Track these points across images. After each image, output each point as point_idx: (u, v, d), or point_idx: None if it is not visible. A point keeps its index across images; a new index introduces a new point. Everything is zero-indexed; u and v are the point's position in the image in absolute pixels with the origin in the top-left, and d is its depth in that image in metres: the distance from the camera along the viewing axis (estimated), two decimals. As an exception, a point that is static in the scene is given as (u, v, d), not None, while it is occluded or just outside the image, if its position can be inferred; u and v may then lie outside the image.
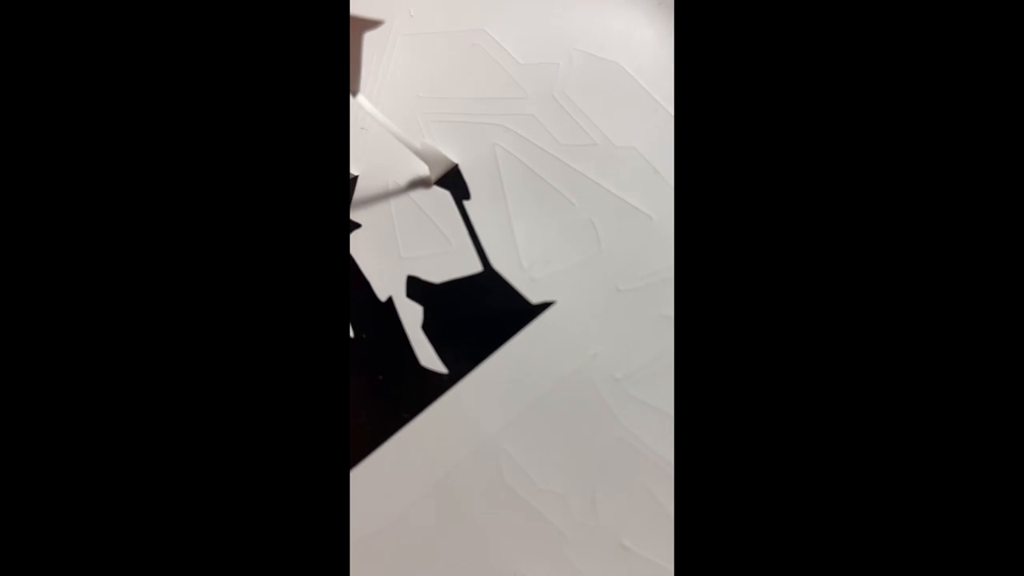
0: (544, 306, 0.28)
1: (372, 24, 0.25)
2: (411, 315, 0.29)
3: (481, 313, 0.28)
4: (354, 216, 0.31)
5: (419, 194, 0.30)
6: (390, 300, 0.29)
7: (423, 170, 0.31)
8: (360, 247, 0.30)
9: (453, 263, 0.29)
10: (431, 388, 0.28)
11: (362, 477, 0.28)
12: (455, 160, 0.30)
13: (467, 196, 0.30)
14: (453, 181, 0.30)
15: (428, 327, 0.29)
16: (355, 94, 0.27)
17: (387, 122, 0.28)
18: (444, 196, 0.30)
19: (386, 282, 0.30)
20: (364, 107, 0.28)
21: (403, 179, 0.31)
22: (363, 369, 0.29)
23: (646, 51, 0.30)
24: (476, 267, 0.29)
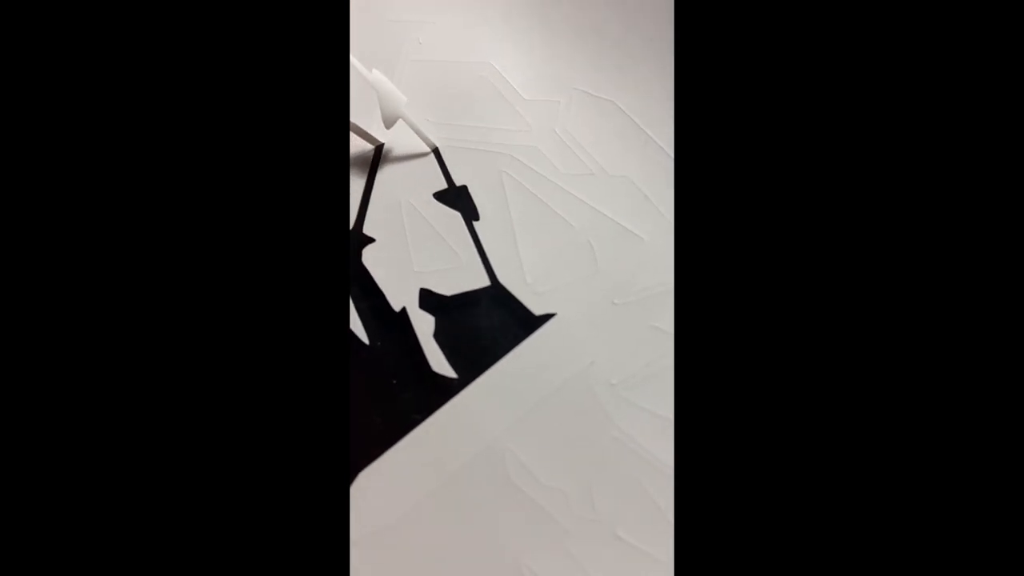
0: (546, 317, 0.31)
1: None
2: (423, 324, 0.31)
3: (488, 323, 0.31)
4: (369, 232, 0.33)
5: (432, 214, 0.33)
6: (404, 310, 0.32)
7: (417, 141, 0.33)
8: (375, 261, 0.33)
9: (463, 277, 0.32)
10: (441, 392, 0.30)
11: (375, 474, 0.30)
12: (465, 183, 0.33)
13: (476, 217, 0.33)
14: (464, 204, 0.33)
15: (439, 335, 0.31)
16: None
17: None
18: (455, 216, 0.33)
19: (400, 294, 0.32)
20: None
21: (417, 196, 0.33)
22: (377, 374, 0.31)
23: (638, 91, 0.33)
24: (484, 281, 0.32)
